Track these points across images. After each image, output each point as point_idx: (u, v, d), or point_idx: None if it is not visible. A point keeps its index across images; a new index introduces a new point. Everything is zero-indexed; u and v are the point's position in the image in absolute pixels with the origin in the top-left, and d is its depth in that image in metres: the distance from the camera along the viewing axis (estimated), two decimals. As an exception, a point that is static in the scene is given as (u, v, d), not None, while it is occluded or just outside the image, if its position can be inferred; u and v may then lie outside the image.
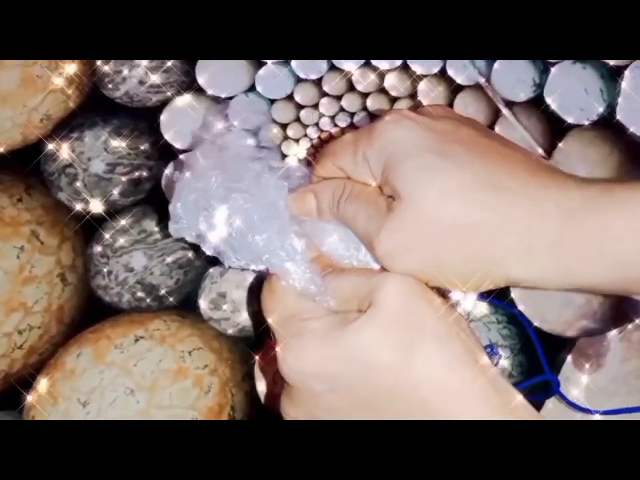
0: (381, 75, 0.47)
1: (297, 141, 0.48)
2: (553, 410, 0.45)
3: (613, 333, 0.47)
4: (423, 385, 0.31)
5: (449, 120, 0.35)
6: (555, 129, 0.45)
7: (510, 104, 0.45)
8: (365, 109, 0.47)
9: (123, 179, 0.47)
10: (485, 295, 0.45)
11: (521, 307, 0.45)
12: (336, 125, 0.47)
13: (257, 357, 0.44)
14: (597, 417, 0.43)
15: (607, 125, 0.44)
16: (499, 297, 0.45)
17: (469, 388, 0.31)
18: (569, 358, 0.46)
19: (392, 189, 0.33)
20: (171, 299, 0.48)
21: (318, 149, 0.47)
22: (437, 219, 0.32)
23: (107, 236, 0.47)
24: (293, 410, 0.34)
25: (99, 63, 0.45)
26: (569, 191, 0.31)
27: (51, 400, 0.44)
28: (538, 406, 0.45)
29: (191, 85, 0.47)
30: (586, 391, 0.46)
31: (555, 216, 0.31)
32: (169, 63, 0.46)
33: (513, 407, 0.31)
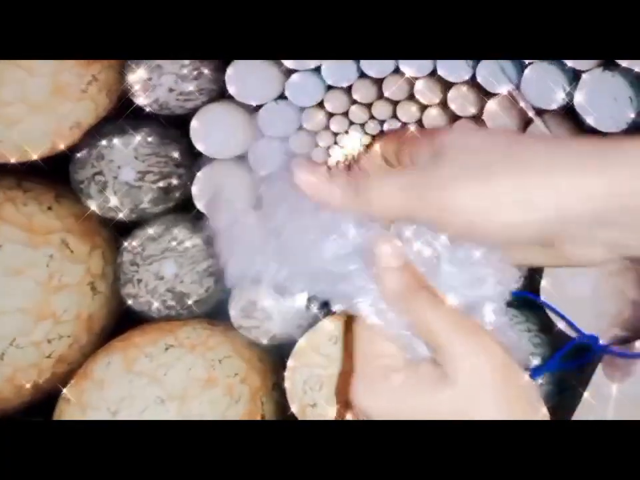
0: (411, 83, 0.47)
1: (327, 149, 0.48)
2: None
3: (641, 342, 0.47)
4: None
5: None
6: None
7: (540, 112, 0.45)
8: (394, 116, 0.47)
9: (153, 186, 0.47)
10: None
11: (553, 318, 0.45)
12: (366, 133, 0.47)
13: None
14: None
15: (637, 133, 0.44)
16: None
17: None
18: (599, 367, 0.46)
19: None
20: (201, 307, 0.48)
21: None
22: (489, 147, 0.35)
23: (137, 244, 0.47)
24: None
25: (130, 67, 0.45)
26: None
27: (80, 409, 0.44)
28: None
29: (220, 92, 0.47)
30: (616, 400, 0.46)
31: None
32: (199, 71, 0.46)
33: None
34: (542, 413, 0.35)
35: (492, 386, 0.34)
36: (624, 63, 0.43)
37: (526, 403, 0.35)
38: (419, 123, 0.47)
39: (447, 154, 0.35)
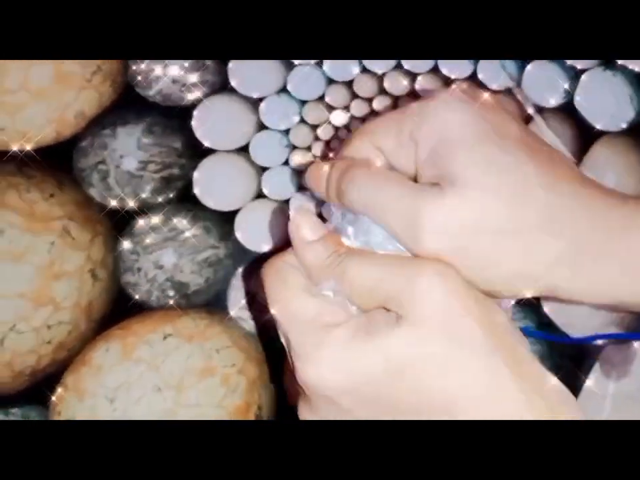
0: (412, 78, 0.47)
1: (328, 142, 0.48)
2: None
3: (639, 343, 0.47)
4: (464, 399, 0.29)
5: (497, 110, 0.34)
6: (584, 135, 0.46)
7: (540, 109, 0.46)
8: (395, 111, 0.48)
9: (155, 176, 0.48)
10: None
11: (549, 314, 0.45)
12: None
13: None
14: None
15: (637, 132, 0.44)
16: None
17: (513, 398, 0.29)
18: (596, 365, 0.46)
19: (442, 175, 0.31)
20: (200, 297, 0.48)
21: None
22: (491, 213, 0.30)
23: (137, 233, 0.47)
24: (313, 417, 0.33)
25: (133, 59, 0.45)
26: (612, 206, 0.32)
27: (77, 396, 0.44)
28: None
29: (223, 84, 0.48)
30: (613, 398, 0.46)
31: (602, 228, 0.31)
32: (203, 63, 0.46)
33: (558, 410, 0.30)
34: (523, 349, 0.31)
35: (455, 311, 0.29)
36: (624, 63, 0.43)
37: (503, 333, 0.30)
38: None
39: (453, 195, 0.30)
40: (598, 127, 0.44)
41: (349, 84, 0.48)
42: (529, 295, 0.32)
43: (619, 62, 0.44)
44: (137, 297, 0.48)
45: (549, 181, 0.31)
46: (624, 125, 0.44)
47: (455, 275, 0.30)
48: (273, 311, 0.32)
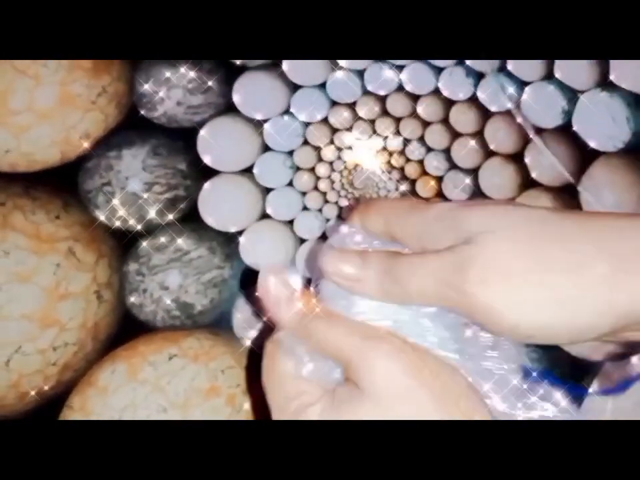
0: (414, 100, 0.47)
1: (331, 164, 0.48)
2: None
3: (637, 358, 0.47)
4: None
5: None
6: (583, 156, 0.46)
7: (539, 130, 0.46)
8: (397, 132, 0.48)
9: (160, 197, 0.48)
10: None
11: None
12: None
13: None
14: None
15: (634, 153, 0.45)
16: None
17: None
18: (595, 381, 0.47)
19: (459, 237, 0.32)
20: (205, 318, 0.48)
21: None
22: (510, 259, 0.30)
23: (143, 254, 0.47)
24: None
25: (138, 81, 0.46)
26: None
27: (84, 416, 0.45)
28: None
29: (228, 106, 0.48)
30: (612, 413, 0.47)
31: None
32: (207, 85, 0.47)
33: None
34: (481, 413, 0.32)
35: (408, 387, 0.31)
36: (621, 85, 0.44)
37: (457, 399, 0.31)
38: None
39: (482, 242, 0.31)
40: (595, 147, 0.45)
41: (352, 105, 0.49)
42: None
43: (616, 84, 0.44)
44: (142, 317, 0.48)
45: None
46: (621, 146, 0.45)
47: (410, 351, 0.32)
48: (264, 388, 0.35)
